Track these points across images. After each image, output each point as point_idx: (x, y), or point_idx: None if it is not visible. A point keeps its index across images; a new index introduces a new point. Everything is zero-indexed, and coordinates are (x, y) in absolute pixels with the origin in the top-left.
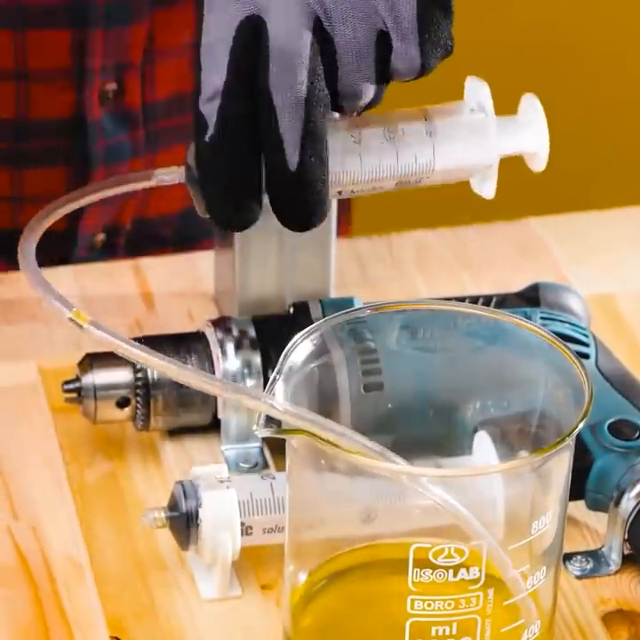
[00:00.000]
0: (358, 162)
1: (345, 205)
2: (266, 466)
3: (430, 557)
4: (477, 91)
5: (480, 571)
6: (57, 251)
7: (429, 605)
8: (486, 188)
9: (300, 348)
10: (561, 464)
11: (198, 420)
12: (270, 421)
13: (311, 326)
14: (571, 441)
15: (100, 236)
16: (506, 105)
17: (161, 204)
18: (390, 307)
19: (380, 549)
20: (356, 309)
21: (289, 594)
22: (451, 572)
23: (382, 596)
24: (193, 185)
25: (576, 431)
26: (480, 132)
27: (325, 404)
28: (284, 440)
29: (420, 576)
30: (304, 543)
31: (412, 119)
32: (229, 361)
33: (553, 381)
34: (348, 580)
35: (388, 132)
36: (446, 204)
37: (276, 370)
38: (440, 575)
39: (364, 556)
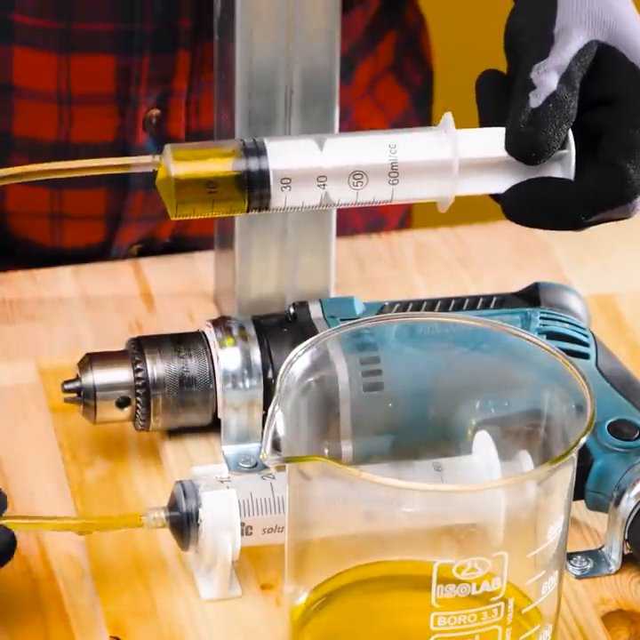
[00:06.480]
0: (318, 199)
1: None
2: (266, 466)
3: (454, 573)
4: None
5: (502, 580)
6: (92, 259)
7: (453, 620)
8: (442, 206)
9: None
10: (564, 476)
11: (198, 420)
12: (277, 448)
13: (312, 339)
14: (574, 454)
15: (136, 246)
16: None
17: (202, 224)
18: (392, 318)
19: (399, 565)
20: (360, 321)
21: (289, 610)
22: (474, 585)
23: (403, 612)
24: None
25: (579, 444)
26: (443, 172)
27: (326, 404)
28: None
29: (444, 592)
30: (306, 551)
31: (378, 157)
32: (229, 361)
33: (554, 382)
34: (359, 596)
35: (353, 179)
36: None
37: (278, 378)
38: (463, 590)
39: (370, 572)
